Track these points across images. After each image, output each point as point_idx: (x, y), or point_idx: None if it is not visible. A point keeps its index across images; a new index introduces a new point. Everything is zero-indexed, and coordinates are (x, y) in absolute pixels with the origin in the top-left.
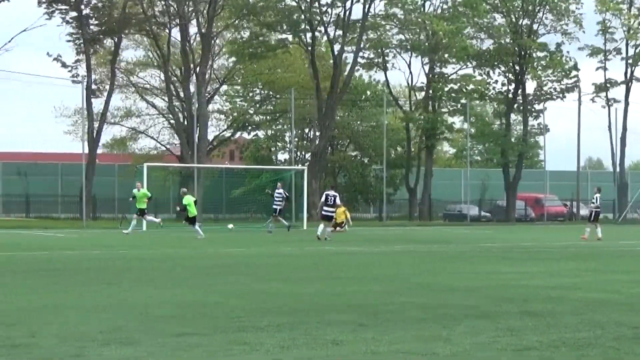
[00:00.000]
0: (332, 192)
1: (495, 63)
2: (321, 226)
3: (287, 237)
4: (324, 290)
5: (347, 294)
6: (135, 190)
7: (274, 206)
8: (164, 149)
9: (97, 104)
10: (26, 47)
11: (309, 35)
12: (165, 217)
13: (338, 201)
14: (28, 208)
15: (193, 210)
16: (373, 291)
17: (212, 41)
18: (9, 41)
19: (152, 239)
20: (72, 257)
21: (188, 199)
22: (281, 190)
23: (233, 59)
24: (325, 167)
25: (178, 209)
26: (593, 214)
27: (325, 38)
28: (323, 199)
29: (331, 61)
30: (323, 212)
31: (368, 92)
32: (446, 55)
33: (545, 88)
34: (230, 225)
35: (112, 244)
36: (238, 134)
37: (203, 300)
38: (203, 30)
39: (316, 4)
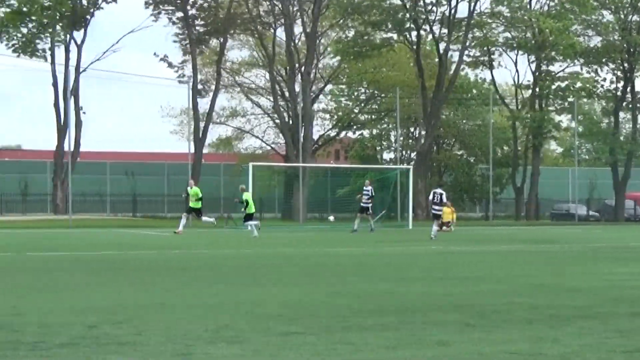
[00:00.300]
0: (438, 190)
1: (604, 60)
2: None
3: (388, 237)
4: (430, 290)
5: (453, 294)
6: (188, 188)
7: (362, 204)
8: (269, 148)
9: (203, 104)
10: (133, 48)
11: (414, 33)
12: (270, 217)
13: (444, 199)
14: (135, 207)
15: (252, 207)
16: (479, 291)
17: (317, 40)
18: (117, 42)
19: (257, 239)
20: (178, 257)
21: (248, 195)
22: (369, 188)
23: (338, 58)
24: (431, 166)
25: (236, 200)
26: None
27: (430, 36)
28: (430, 196)
29: (436, 59)
30: (432, 211)
31: (474, 91)
32: (553, 53)
33: None
34: (332, 217)
35: (218, 243)
36: (343, 133)
37: (308, 299)
38: (308, 30)
39: (421, 3)
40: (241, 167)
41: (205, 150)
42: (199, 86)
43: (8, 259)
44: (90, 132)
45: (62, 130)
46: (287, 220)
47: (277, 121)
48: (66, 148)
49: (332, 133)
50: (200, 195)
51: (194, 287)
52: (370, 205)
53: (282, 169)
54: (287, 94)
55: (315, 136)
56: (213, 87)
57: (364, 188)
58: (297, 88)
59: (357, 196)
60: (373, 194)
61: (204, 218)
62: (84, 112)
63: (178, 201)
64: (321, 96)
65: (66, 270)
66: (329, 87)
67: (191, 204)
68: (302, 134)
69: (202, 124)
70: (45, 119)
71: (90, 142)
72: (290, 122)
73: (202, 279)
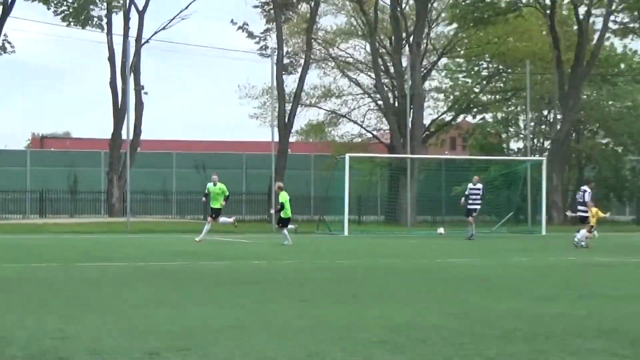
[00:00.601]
0: (583, 187)
1: None
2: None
3: (516, 245)
4: (568, 311)
5: (596, 316)
6: (210, 185)
7: (470, 206)
8: (370, 135)
9: (290, 82)
10: (206, 15)
11: None
12: (372, 221)
13: (587, 198)
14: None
15: (288, 211)
16: (631, 313)
17: (429, 4)
18: (186, 8)
19: (355, 247)
20: (259, 268)
21: (285, 196)
22: (479, 186)
23: (454, 25)
24: (569, 157)
25: (272, 211)
26: None
27: None
28: (577, 195)
29: (575, 27)
30: (578, 213)
31: (622, 65)
32: None
33: None
34: (441, 230)
35: (307, 252)
36: (461, 118)
37: (417, 321)
38: None
39: None
40: (336, 159)
41: (292, 139)
42: (285, 60)
43: (53, 270)
44: (153, 116)
45: (119, 114)
46: (391, 225)
47: (380, 103)
48: (124, 136)
49: (447, 117)
50: (227, 193)
51: (277, 306)
52: (479, 207)
53: (386, 161)
54: (392, 69)
55: (427, 121)
56: (302, 61)
57: (471, 186)
58: (405, 62)
59: (462, 200)
60: (484, 193)
61: (222, 219)
62: (146, 93)
63: (259, 201)
64: (434, 72)
65: (122, 284)
66: (444, 61)
67: (212, 204)
68: (410, 119)
69: (288, 107)
70: (99, 100)
71: (153, 129)
72: (396, 103)
73: (287, 295)
